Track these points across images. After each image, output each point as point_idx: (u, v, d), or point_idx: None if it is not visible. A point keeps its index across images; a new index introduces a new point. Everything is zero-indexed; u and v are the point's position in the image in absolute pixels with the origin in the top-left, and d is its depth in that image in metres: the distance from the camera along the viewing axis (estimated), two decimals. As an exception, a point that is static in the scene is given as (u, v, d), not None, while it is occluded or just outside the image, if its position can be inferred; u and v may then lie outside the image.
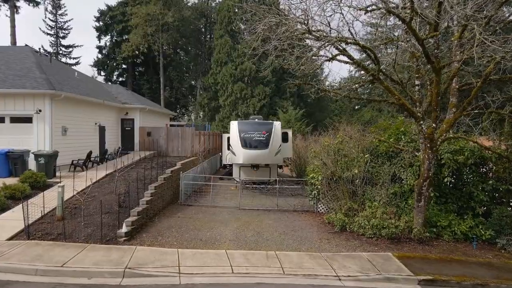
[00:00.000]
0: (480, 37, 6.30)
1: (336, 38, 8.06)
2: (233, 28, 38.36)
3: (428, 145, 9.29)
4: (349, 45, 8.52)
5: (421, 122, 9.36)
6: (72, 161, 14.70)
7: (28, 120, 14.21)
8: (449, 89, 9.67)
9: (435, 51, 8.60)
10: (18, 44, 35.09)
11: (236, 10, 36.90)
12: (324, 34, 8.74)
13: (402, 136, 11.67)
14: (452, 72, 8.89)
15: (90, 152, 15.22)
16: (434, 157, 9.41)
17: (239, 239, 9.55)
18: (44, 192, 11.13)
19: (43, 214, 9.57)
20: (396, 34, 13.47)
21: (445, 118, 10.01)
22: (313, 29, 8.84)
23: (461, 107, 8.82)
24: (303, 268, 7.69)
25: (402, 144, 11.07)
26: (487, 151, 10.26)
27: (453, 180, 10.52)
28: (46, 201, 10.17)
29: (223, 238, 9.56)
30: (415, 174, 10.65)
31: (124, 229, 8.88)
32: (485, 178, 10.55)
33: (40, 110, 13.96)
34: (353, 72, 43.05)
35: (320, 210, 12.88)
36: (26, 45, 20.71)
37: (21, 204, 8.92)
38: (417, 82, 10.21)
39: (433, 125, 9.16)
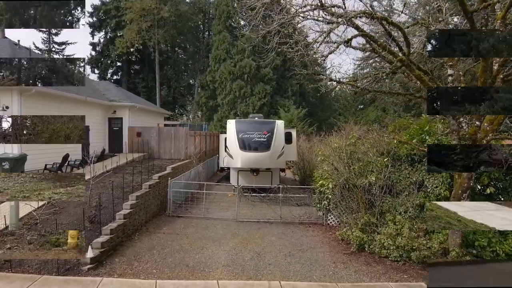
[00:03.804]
0: None
1: (358, 12, 6.28)
2: (232, 23, 36.61)
3: (470, 148, 7.50)
4: (373, 20, 6.73)
5: (460, 119, 7.60)
6: (46, 165, 12.89)
7: (-6, 118, 12.38)
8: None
9: (482, 28, 6.82)
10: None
11: (235, 5, 35.19)
12: (340, 10, 7.00)
13: (427, 137, 9.94)
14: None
15: (67, 155, 13.41)
16: (477, 163, 7.62)
17: (235, 263, 7.76)
18: (3, 203, 9.36)
19: (-7, 233, 7.79)
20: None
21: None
22: (326, 4, 7.11)
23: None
24: (317, 309, 5.92)
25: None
26: None
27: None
28: (3, 215, 8.41)
29: (215, 262, 7.76)
30: (445, 183, 8.94)
31: (89, 253, 7.06)
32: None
33: (7, 107, 12.14)
34: (358, 70, 41.31)
35: (331, 222, 11.10)
36: (5, 37, 19.02)
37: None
38: (450, 72, 8.44)
39: (477, 123, 7.37)
